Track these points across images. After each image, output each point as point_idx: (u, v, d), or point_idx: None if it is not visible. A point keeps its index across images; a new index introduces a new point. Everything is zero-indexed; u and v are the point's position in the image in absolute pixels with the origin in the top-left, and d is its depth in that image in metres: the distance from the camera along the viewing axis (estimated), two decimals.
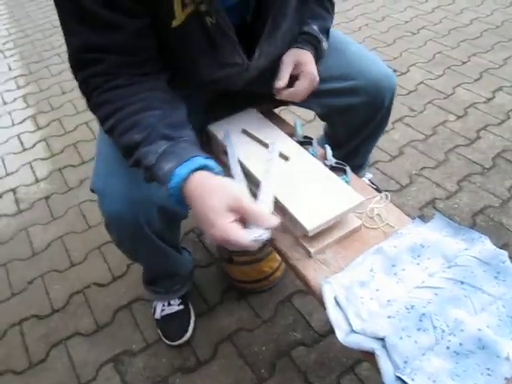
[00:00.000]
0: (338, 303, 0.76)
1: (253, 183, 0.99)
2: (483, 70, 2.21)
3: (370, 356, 0.72)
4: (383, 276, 0.80)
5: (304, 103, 1.20)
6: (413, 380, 0.65)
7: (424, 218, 1.48)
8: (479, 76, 2.18)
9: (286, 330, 1.30)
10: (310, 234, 0.82)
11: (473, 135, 1.85)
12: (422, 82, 2.19)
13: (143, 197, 0.88)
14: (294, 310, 1.35)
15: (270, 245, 1.24)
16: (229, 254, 1.32)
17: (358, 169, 1.35)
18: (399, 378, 0.66)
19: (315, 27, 1.03)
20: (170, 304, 1.31)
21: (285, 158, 0.97)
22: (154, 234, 0.97)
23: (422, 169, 1.74)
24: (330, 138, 1.31)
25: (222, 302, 1.40)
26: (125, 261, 1.56)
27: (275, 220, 0.68)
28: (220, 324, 1.34)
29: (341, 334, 0.72)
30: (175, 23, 0.79)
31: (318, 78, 1.01)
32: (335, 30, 1.14)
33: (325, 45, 1.06)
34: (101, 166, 0.94)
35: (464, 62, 2.29)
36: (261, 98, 1.16)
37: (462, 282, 0.75)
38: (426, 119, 1.97)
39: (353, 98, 1.09)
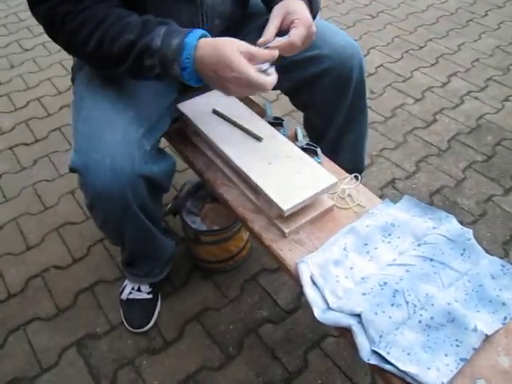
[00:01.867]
0: (314, 282, 0.78)
1: (227, 164, 0.98)
2: (439, 55, 2.28)
3: (344, 332, 0.74)
4: (356, 255, 0.82)
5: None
6: (388, 353, 0.68)
7: (385, 198, 1.53)
8: (435, 61, 2.25)
9: (252, 308, 1.31)
10: (286, 214, 0.83)
11: (429, 118, 1.92)
12: (381, 65, 2.23)
13: (128, 168, 0.86)
14: (260, 288, 1.36)
15: (240, 224, 1.24)
16: (195, 234, 1.30)
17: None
18: (375, 352, 0.69)
19: None
20: (139, 290, 1.29)
21: (258, 138, 0.97)
22: (140, 209, 0.95)
23: (381, 150, 1.78)
24: (308, 129, 1.28)
25: (188, 282, 1.39)
26: (85, 243, 1.51)
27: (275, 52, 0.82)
28: (186, 304, 1.33)
29: (318, 312, 0.74)
30: None
31: (314, 27, 0.90)
32: None
33: None
34: (80, 143, 0.89)
35: (421, 47, 2.35)
36: None
37: (432, 259, 0.79)
38: (385, 101, 2.02)
39: (318, 66, 1.06)
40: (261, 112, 1.10)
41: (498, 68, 2.18)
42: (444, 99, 2.01)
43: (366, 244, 0.83)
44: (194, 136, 1.06)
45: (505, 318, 0.73)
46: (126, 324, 1.28)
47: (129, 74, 0.87)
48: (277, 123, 1.07)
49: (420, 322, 0.71)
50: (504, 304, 0.74)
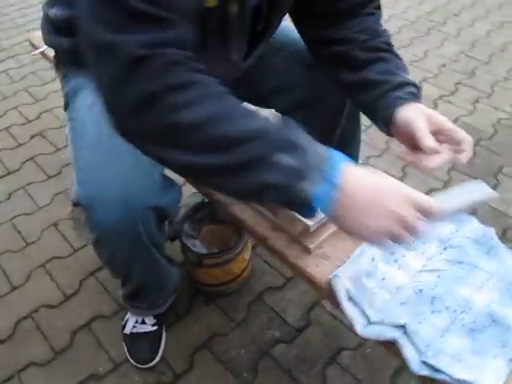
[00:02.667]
0: (350, 296, 0.76)
1: None
2: (408, 62, 2.33)
3: (387, 344, 0.72)
4: (385, 264, 0.81)
5: (264, 103, 1.16)
6: (438, 362, 0.67)
7: None
8: None
9: (262, 329, 1.27)
10: (312, 229, 0.81)
11: None
12: None
13: (140, 201, 0.81)
14: (267, 307, 1.33)
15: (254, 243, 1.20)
16: (198, 257, 1.26)
17: None
18: (424, 363, 0.67)
19: (408, 78, 0.85)
20: (143, 322, 1.22)
21: None
22: (150, 241, 0.90)
23: (368, 157, 1.81)
24: None
25: (191, 309, 1.34)
26: (76, 277, 1.43)
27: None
28: (192, 332, 1.28)
29: (359, 327, 0.72)
30: (209, 4, 0.70)
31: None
32: None
33: None
34: (84, 173, 0.83)
35: None
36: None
37: (461, 262, 0.78)
38: None
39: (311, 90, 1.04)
40: None
41: (465, 72, 2.27)
42: None
43: (392, 253, 0.82)
44: None
45: None
46: (131, 360, 1.21)
47: (226, 170, 0.61)
48: None
49: (463, 326, 0.71)
50: None
